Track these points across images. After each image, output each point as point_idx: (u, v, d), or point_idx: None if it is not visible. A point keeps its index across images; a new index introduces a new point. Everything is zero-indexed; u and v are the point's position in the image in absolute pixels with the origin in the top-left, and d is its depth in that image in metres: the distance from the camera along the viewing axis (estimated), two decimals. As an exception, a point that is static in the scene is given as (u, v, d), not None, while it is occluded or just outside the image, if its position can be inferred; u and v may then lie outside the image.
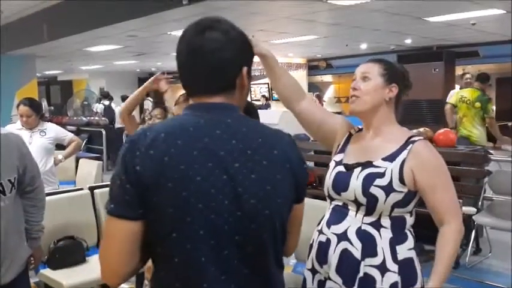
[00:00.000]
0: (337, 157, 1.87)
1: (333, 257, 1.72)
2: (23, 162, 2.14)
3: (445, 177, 1.74)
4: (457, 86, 8.44)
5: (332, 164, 1.87)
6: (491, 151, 5.15)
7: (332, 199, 1.83)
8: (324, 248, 1.76)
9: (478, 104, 5.96)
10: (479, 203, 4.48)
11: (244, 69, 1.23)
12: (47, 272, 3.25)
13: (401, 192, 1.69)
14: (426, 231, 2.05)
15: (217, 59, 1.19)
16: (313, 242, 1.83)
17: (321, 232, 1.81)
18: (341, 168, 1.81)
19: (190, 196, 1.11)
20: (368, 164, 1.74)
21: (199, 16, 1.25)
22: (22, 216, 2.25)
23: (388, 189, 1.68)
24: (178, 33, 6.39)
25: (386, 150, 1.75)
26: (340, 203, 1.79)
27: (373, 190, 1.68)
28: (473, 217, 4.27)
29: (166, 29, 7.92)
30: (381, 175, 1.70)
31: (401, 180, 1.69)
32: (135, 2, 6.48)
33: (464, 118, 6.07)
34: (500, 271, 4.27)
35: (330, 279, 1.73)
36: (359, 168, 1.75)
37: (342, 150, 1.88)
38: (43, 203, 2.39)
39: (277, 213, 1.20)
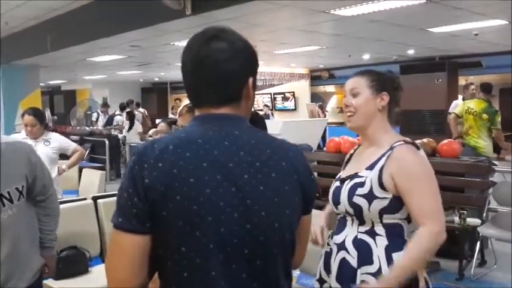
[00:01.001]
0: (338, 175, 1.96)
1: (334, 265, 1.80)
2: (32, 171, 2.11)
3: (425, 181, 1.73)
4: (460, 97, 8.44)
5: (334, 181, 1.95)
6: (495, 162, 5.13)
7: (336, 213, 1.91)
8: (328, 258, 1.85)
9: (485, 116, 5.96)
10: (484, 214, 4.45)
11: (250, 79, 1.22)
12: (50, 282, 3.23)
13: (385, 198, 1.72)
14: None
15: (224, 70, 1.17)
16: (322, 254, 1.91)
17: (328, 243, 1.89)
18: (337, 183, 1.90)
19: (199, 209, 1.09)
20: (354, 176, 1.81)
21: (202, 27, 1.23)
22: (35, 225, 2.22)
23: (370, 196, 1.73)
24: (181, 43, 6.42)
25: (370, 160, 1.80)
26: (342, 215, 1.86)
27: (356, 199, 1.75)
28: (478, 229, 4.24)
29: (169, 39, 7.97)
30: (362, 184, 1.76)
31: (382, 186, 1.72)
32: (138, 12, 6.52)
33: (470, 129, 6.05)
34: (505, 283, 4.23)
35: (331, 287, 1.81)
36: (348, 181, 1.82)
37: (343, 168, 1.99)
38: (56, 212, 2.36)
39: (287, 225, 1.19)
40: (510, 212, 4.37)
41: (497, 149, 6.65)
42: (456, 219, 4.18)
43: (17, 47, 9.41)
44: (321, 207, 2.57)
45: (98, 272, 3.40)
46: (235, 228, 1.12)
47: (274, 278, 1.19)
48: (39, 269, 2.22)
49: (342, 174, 1.92)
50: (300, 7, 5.98)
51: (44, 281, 3.20)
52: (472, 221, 4.18)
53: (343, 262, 1.77)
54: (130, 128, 11.14)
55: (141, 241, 1.11)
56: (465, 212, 4.18)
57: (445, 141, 4.90)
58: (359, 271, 1.73)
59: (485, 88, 6.20)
